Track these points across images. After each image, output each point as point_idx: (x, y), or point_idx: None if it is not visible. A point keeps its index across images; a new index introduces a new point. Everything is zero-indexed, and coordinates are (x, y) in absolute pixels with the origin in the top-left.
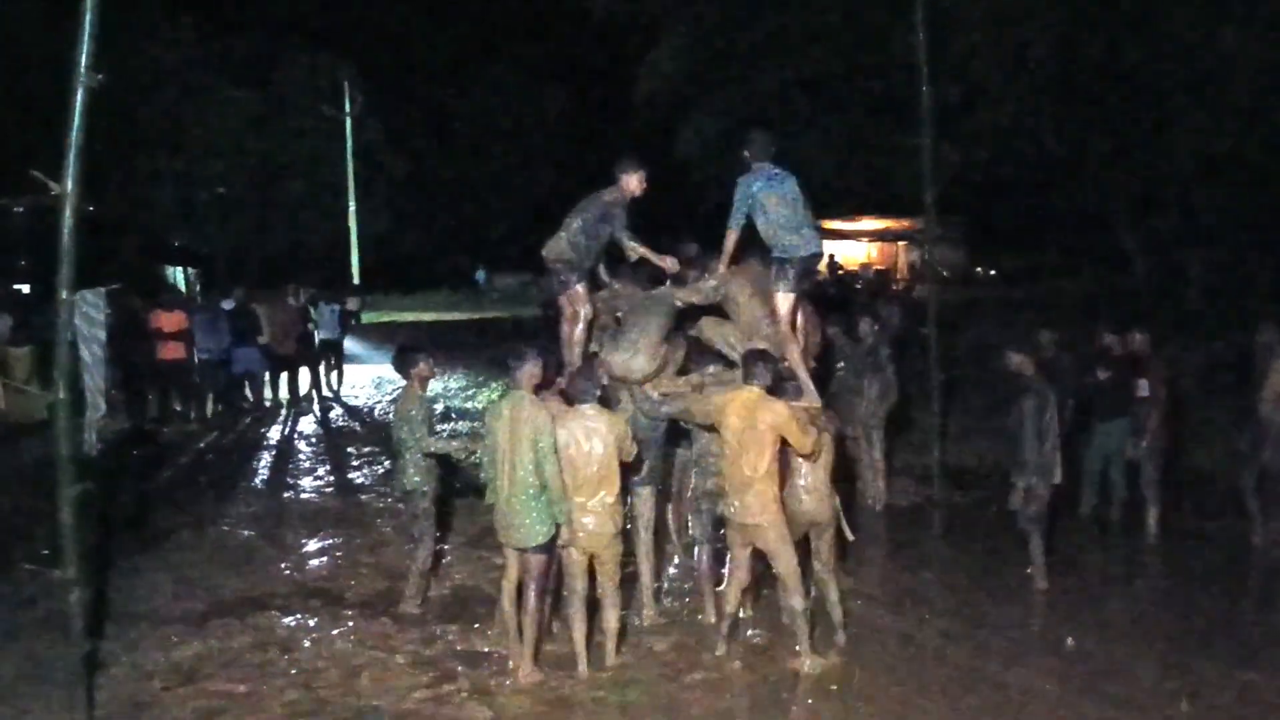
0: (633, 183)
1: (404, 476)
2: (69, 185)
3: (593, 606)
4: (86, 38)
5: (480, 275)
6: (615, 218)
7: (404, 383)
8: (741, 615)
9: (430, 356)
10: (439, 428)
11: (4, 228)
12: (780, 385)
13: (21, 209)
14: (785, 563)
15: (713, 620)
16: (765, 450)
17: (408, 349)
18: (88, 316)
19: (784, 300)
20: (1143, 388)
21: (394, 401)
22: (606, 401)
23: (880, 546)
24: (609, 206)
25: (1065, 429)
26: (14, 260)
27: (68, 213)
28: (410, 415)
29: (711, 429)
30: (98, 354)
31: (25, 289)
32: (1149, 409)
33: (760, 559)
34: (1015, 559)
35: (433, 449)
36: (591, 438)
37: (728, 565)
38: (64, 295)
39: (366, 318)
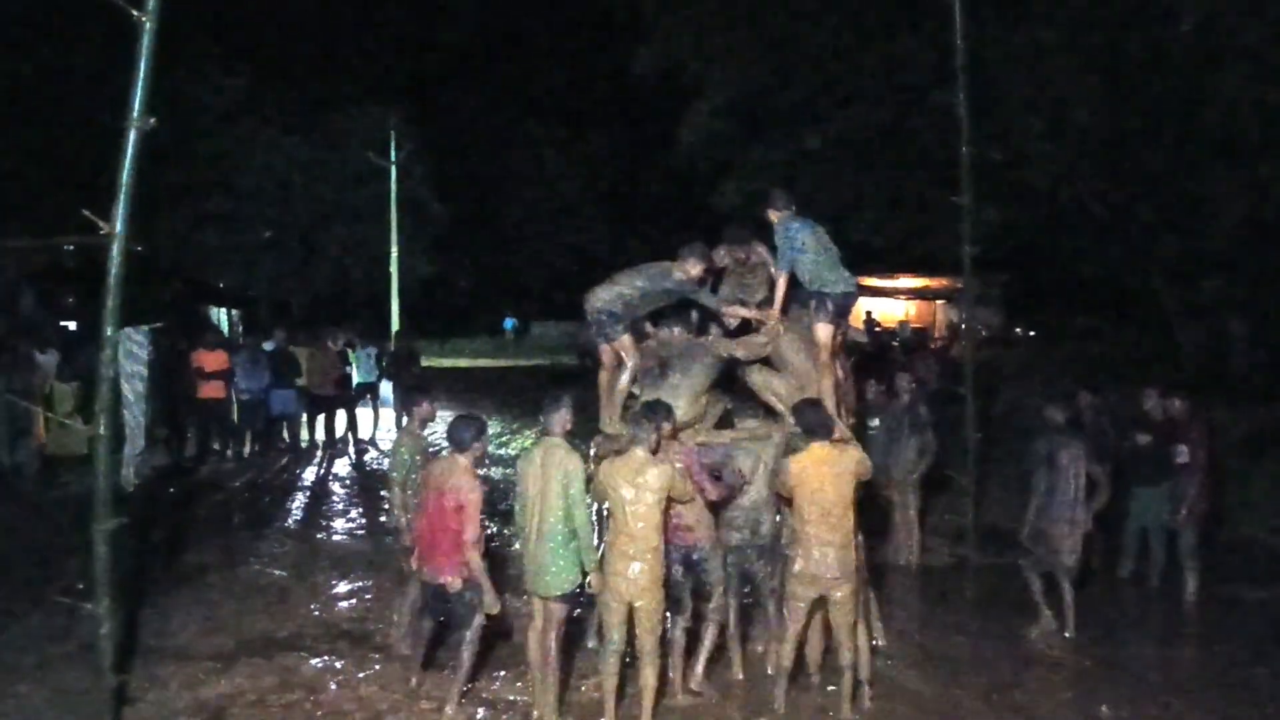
0: (695, 270)
1: (395, 514)
2: (118, 225)
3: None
4: (141, 82)
5: (509, 324)
6: (682, 293)
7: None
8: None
9: (435, 400)
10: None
11: (54, 265)
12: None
13: (71, 247)
14: (851, 615)
15: (740, 676)
16: (850, 500)
17: (413, 390)
18: (132, 354)
19: (823, 330)
20: (1182, 454)
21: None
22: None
23: (911, 606)
24: (678, 284)
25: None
26: (62, 297)
27: (116, 252)
28: (399, 453)
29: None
30: (140, 391)
31: (72, 325)
32: (1188, 476)
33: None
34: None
35: (395, 494)
36: (640, 484)
37: (780, 619)
38: (109, 332)
39: None
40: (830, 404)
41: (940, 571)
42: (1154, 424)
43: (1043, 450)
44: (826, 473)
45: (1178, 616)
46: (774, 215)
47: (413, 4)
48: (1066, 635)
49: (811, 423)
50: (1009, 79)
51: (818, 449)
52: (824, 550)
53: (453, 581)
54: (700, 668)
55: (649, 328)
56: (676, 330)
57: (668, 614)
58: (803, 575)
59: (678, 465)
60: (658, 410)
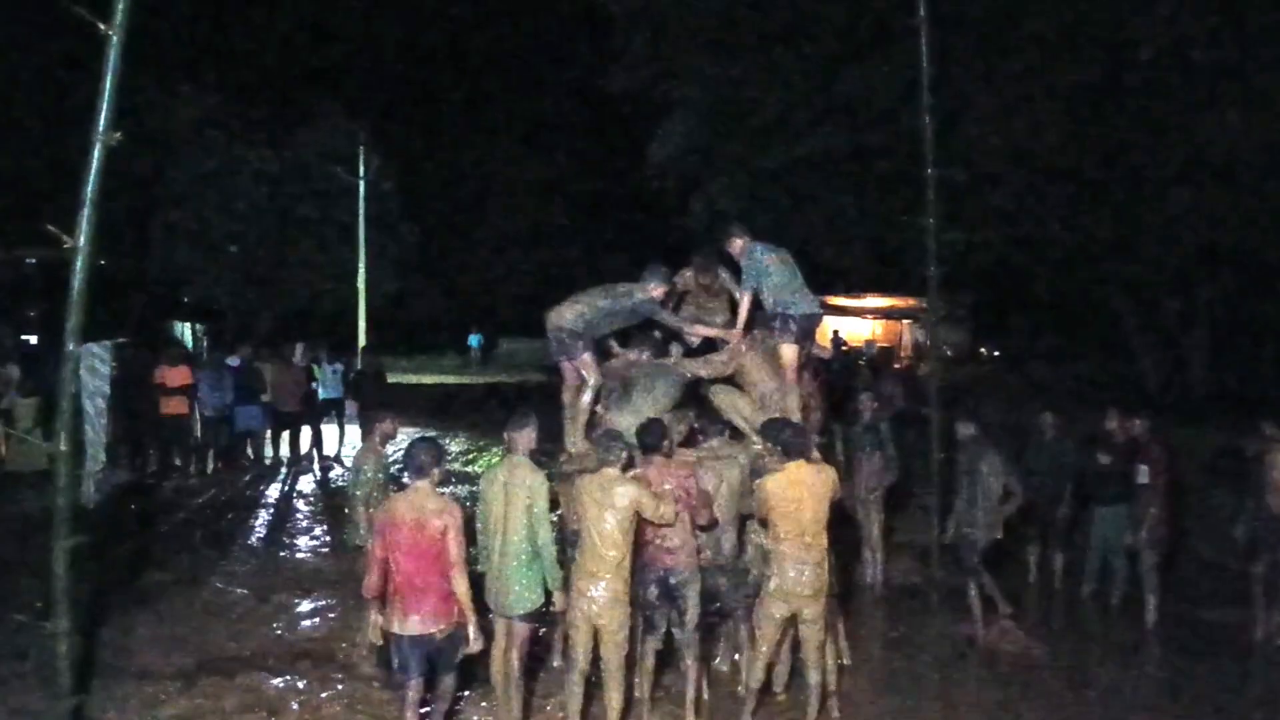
0: (657, 291)
1: (351, 531)
2: (82, 240)
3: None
4: (107, 96)
5: (474, 340)
6: (644, 313)
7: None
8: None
9: (396, 418)
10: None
11: (16, 278)
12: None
13: (34, 260)
14: (821, 633)
15: (704, 696)
16: (825, 520)
17: (376, 406)
18: (93, 369)
19: (788, 350)
20: (1143, 474)
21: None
22: (628, 466)
23: (876, 625)
24: (641, 304)
25: (1062, 511)
26: (24, 311)
27: (80, 266)
28: (362, 469)
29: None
30: (101, 406)
31: (33, 340)
32: (1149, 496)
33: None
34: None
35: (359, 511)
36: (607, 504)
37: (748, 637)
38: (71, 347)
39: None
40: (796, 420)
41: (905, 590)
42: (1115, 444)
43: (964, 462)
44: (804, 493)
45: (1138, 635)
46: (737, 244)
47: (383, 22)
48: (1008, 611)
49: (789, 442)
50: (974, 102)
51: (794, 469)
52: (799, 569)
53: (445, 629)
54: (692, 712)
55: (615, 347)
56: (644, 353)
57: (641, 635)
58: (777, 593)
59: (667, 487)
60: (651, 429)
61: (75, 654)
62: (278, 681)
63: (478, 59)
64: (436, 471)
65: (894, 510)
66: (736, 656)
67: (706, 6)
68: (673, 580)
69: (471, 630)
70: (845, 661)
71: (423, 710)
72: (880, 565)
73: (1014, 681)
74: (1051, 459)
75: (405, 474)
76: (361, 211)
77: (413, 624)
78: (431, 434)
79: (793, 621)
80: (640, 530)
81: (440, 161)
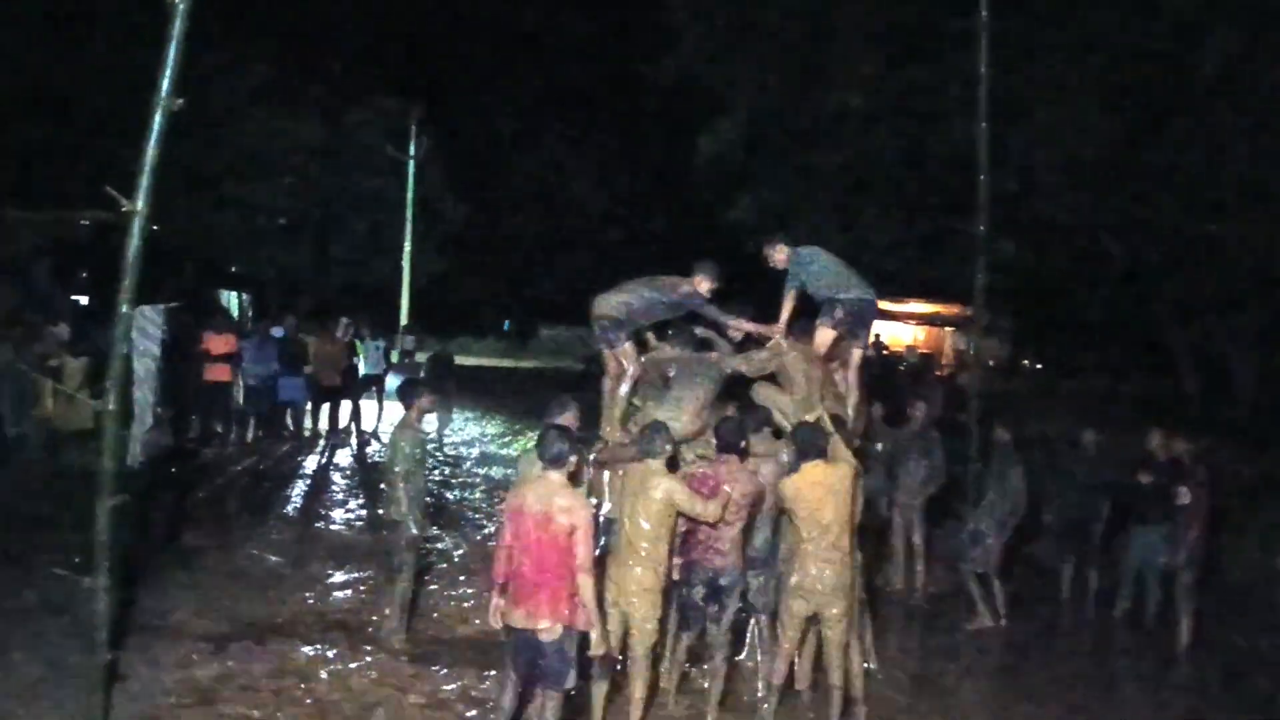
0: (705, 286)
1: (390, 506)
2: (140, 203)
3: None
4: (171, 62)
5: (508, 326)
6: (688, 308)
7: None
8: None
9: (433, 394)
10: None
11: (69, 240)
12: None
13: (87, 223)
14: (843, 634)
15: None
16: (848, 518)
17: (412, 381)
18: (145, 332)
19: (823, 332)
20: (1183, 495)
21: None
22: (674, 464)
23: (909, 632)
24: (685, 298)
25: (1102, 529)
26: (76, 272)
27: (136, 229)
28: (400, 446)
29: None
30: (151, 369)
31: (84, 300)
32: (1189, 518)
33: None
34: (1043, 652)
35: (398, 487)
36: (645, 495)
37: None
38: (124, 309)
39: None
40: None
41: (941, 598)
42: (1156, 464)
43: (996, 467)
44: (822, 492)
45: (1170, 656)
46: (781, 252)
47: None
48: (1003, 624)
49: (805, 443)
50: (1029, 111)
51: (810, 469)
52: (820, 567)
53: (551, 628)
54: (715, 707)
55: (652, 340)
56: (679, 347)
57: (676, 629)
58: (797, 590)
59: (726, 489)
60: (729, 427)
61: (112, 611)
62: (308, 650)
63: (531, 45)
64: (573, 461)
65: (933, 518)
66: (760, 655)
67: (761, 2)
68: (722, 581)
69: (595, 634)
70: (871, 666)
71: None
72: (919, 573)
73: (1041, 697)
74: (1090, 476)
75: (539, 462)
76: (410, 190)
77: (518, 616)
78: (470, 414)
79: (815, 621)
80: (691, 529)
81: (489, 145)
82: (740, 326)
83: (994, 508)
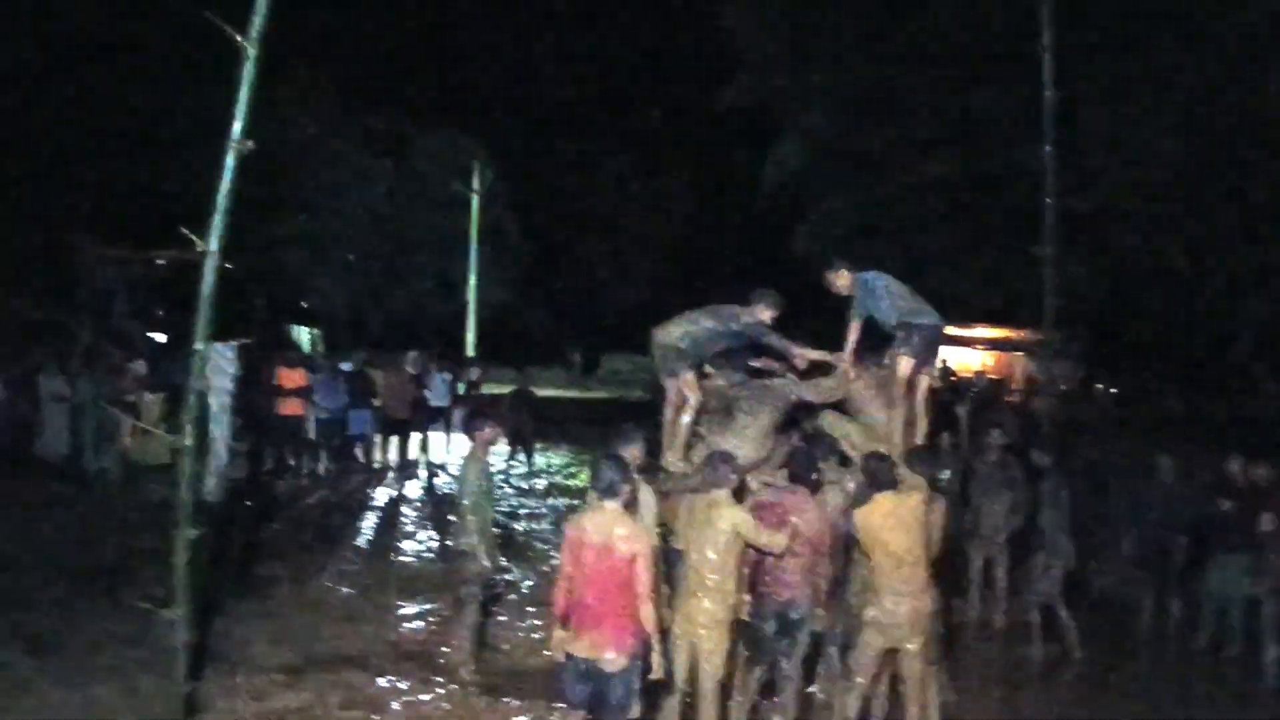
0: (766, 315)
1: (459, 537)
2: (213, 244)
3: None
4: (242, 105)
5: (577, 357)
6: (750, 337)
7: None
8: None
9: (498, 425)
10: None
11: (146, 277)
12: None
13: (163, 261)
14: (923, 667)
15: None
16: (923, 549)
17: (477, 413)
18: (219, 369)
19: (904, 364)
20: (1267, 521)
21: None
22: (741, 493)
23: (988, 666)
24: (749, 327)
25: (1180, 557)
26: (153, 309)
27: (210, 269)
28: (466, 478)
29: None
30: (225, 404)
31: (160, 337)
32: (1273, 544)
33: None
34: (1124, 684)
35: (467, 519)
36: (711, 525)
37: (844, 666)
38: (199, 347)
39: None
40: (898, 438)
41: (1017, 631)
42: (1237, 490)
43: (1047, 493)
44: (894, 523)
45: (1254, 690)
46: (845, 278)
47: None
48: (1076, 656)
49: (875, 474)
50: (1095, 131)
51: (882, 500)
52: (896, 600)
53: (616, 658)
54: None
55: (709, 369)
56: (734, 374)
57: (747, 662)
58: (876, 624)
59: (793, 520)
60: (801, 458)
61: (191, 642)
62: (381, 681)
63: (592, 77)
64: (627, 489)
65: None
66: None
67: (824, 28)
68: (792, 615)
69: (655, 658)
70: (949, 699)
71: None
72: (999, 605)
73: None
74: (1169, 503)
75: (593, 492)
76: (474, 224)
77: (582, 646)
78: (537, 445)
79: (892, 654)
80: (758, 561)
81: (552, 177)
82: (806, 355)
83: (1056, 537)
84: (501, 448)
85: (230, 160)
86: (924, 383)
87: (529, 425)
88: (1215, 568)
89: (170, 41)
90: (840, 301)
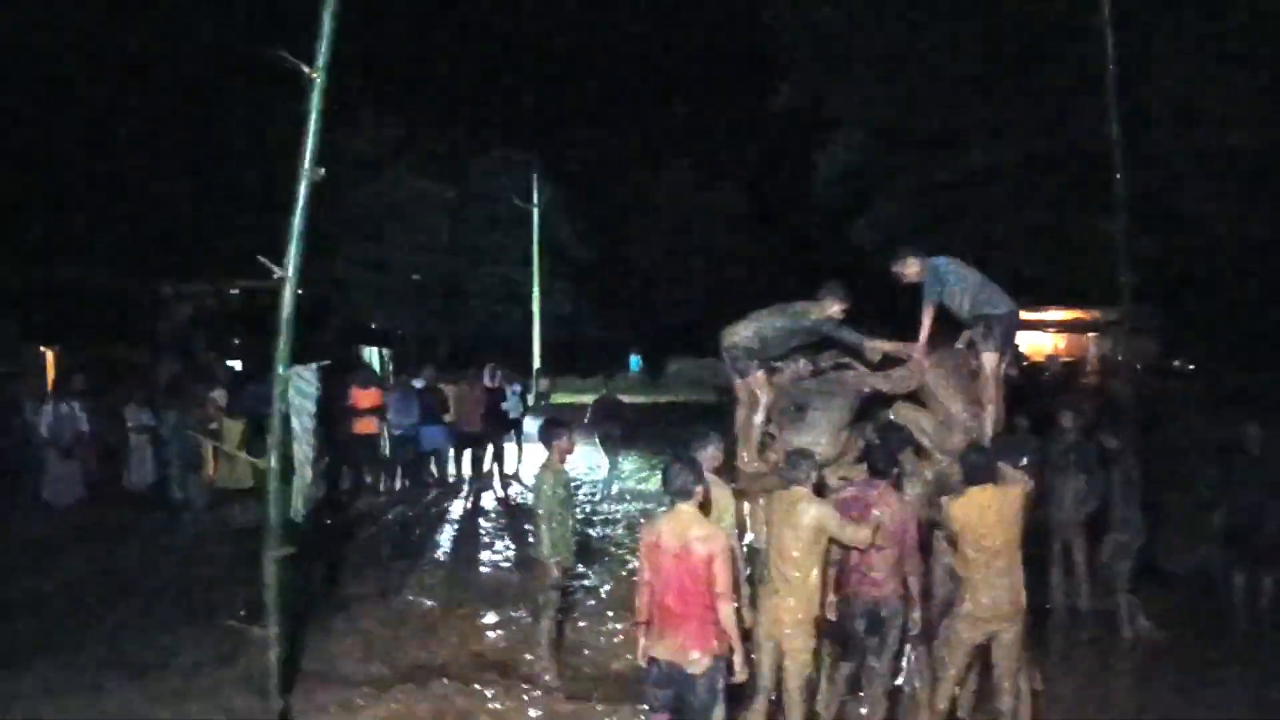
0: (835, 309)
1: (537, 546)
2: (290, 269)
3: None
4: (311, 134)
5: (634, 362)
6: (820, 331)
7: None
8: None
9: (573, 434)
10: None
11: (220, 309)
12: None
13: (236, 291)
14: (1017, 658)
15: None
16: (1017, 541)
17: (553, 423)
18: (300, 390)
19: (990, 357)
20: None
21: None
22: (821, 489)
23: (1074, 652)
24: (819, 323)
25: (1272, 530)
26: (229, 338)
27: (288, 294)
28: (541, 488)
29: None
30: (309, 425)
31: (237, 365)
32: None
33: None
34: (1217, 665)
35: (542, 529)
36: (794, 523)
37: (926, 657)
38: (280, 370)
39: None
40: (989, 432)
41: (1103, 615)
42: None
43: (1119, 474)
44: (991, 517)
45: None
46: (913, 266)
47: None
48: (1126, 634)
49: (973, 467)
50: (1159, 104)
51: (977, 493)
52: (992, 594)
53: (699, 659)
54: None
55: (775, 364)
56: (801, 364)
57: (836, 660)
58: (970, 618)
59: (876, 514)
60: (880, 454)
61: (281, 659)
62: (467, 691)
63: (645, 83)
64: (699, 490)
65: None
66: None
67: (870, 20)
68: (883, 613)
69: (738, 659)
70: (1039, 688)
71: None
72: (1082, 591)
73: (1214, 710)
74: (1259, 475)
75: (667, 497)
76: (536, 237)
77: (664, 649)
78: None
79: (984, 646)
80: (844, 558)
81: (610, 185)
82: (879, 347)
83: (1129, 516)
84: (589, 457)
85: (303, 189)
86: (999, 371)
87: (616, 434)
88: None
89: (231, 73)
90: (906, 290)
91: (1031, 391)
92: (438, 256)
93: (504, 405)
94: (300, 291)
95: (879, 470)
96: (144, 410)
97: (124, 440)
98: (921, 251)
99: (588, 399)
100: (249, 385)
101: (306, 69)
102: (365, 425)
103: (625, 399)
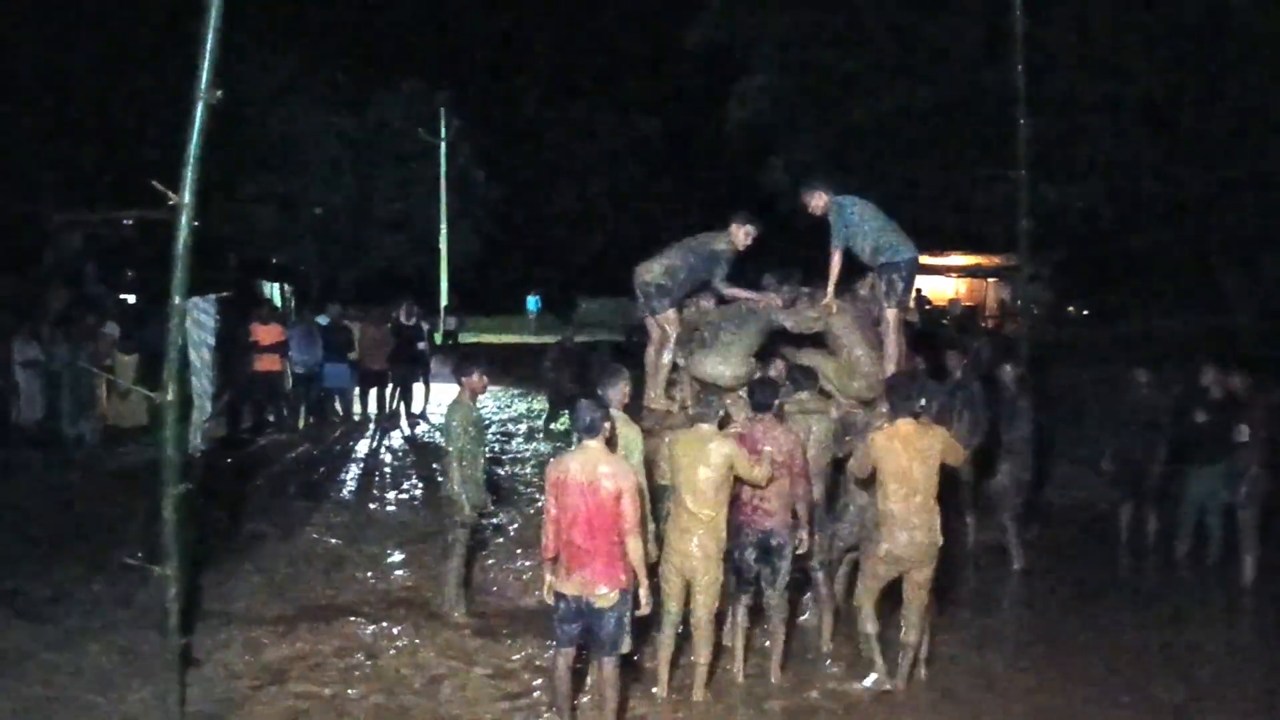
0: (742, 236)
1: (447, 483)
2: (186, 196)
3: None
4: (208, 54)
5: (532, 302)
6: (720, 266)
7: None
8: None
9: (486, 371)
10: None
11: (113, 240)
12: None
13: (129, 222)
14: (927, 595)
15: (780, 652)
16: (935, 480)
17: (467, 359)
18: (199, 322)
19: (892, 315)
20: (1242, 433)
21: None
22: (724, 423)
23: (965, 584)
24: (718, 254)
25: (1157, 469)
26: (122, 271)
27: (184, 221)
28: (451, 425)
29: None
30: (207, 359)
31: (131, 298)
32: (1249, 454)
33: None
34: (1105, 596)
35: (452, 466)
36: (702, 460)
37: (829, 591)
38: (177, 300)
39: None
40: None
41: (992, 549)
42: (1212, 402)
43: (1006, 406)
44: (914, 452)
45: (1235, 596)
46: (821, 199)
47: None
48: (1016, 568)
49: (899, 399)
50: (1063, 51)
51: (903, 425)
52: (910, 532)
53: (606, 594)
54: (778, 668)
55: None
56: (710, 302)
57: (734, 591)
58: (887, 557)
59: (767, 449)
60: (764, 388)
61: (182, 598)
62: (373, 628)
63: (555, 18)
64: (607, 426)
65: (982, 471)
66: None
67: None
68: (773, 542)
69: (644, 593)
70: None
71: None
72: (972, 527)
73: (1106, 640)
74: (1145, 416)
75: (575, 433)
76: (443, 173)
77: (572, 583)
78: (516, 391)
79: (896, 581)
80: (737, 490)
81: (519, 122)
82: (734, 294)
83: (1014, 449)
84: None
85: (200, 110)
86: (901, 323)
87: (569, 388)
88: (1192, 479)
89: None
90: (812, 231)
91: (932, 336)
92: (342, 193)
93: (420, 344)
94: (197, 223)
95: (761, 405)
96: (31, 344)
97: (10, 375)
98: (830, 186)
99: (494, 339)
100: (145, 319)
101: None
102: (267, 362)
103: (531, 340)
